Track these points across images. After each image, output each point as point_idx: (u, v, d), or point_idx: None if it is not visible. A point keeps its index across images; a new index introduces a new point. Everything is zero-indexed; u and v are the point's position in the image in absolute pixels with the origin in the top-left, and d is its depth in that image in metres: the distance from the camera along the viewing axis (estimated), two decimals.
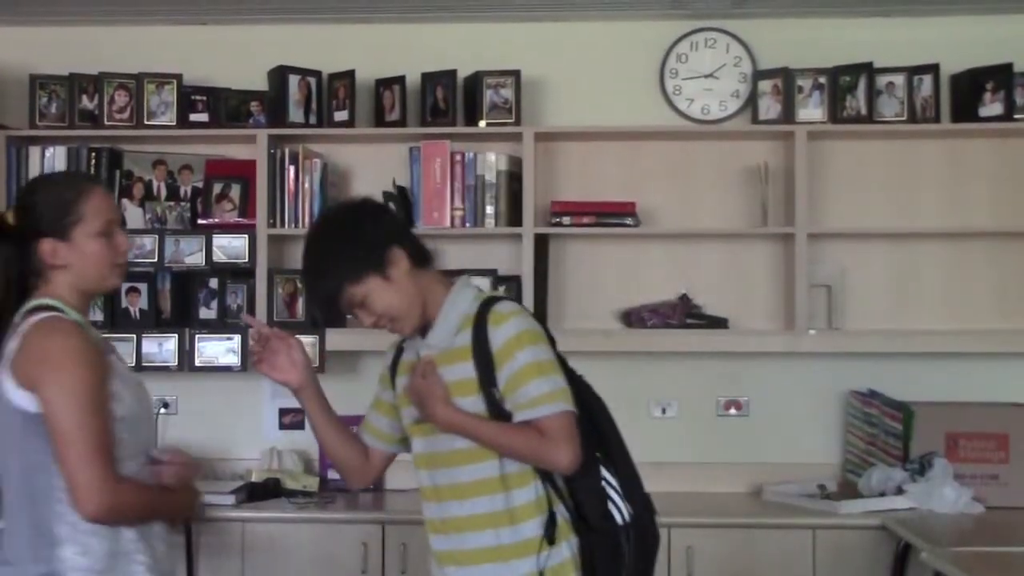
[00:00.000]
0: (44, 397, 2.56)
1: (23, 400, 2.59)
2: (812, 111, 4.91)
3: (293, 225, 4.86)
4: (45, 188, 2.80)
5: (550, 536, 2.72)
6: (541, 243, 4.85)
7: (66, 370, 2.55)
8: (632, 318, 4.91)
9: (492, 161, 4.85)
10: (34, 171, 4.88)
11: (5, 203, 4.87)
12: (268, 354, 2.99)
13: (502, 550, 2.78)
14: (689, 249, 5.00)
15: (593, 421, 2.79)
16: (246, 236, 4.84)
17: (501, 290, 4.70)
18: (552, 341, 2.86)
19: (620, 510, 2.71)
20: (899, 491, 4.49)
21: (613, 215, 4.85)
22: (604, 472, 2.73)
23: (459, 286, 2.91)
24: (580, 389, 2.81)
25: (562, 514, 2.75)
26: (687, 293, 4.94)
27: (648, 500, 2.80)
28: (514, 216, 4.83)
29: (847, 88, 4.88)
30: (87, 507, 2.54)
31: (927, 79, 4.88)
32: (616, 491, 2.71)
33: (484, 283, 4.65)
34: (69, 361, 2.56)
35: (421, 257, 2.88)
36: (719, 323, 4.89)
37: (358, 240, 2.84)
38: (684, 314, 4.87)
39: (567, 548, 2.74)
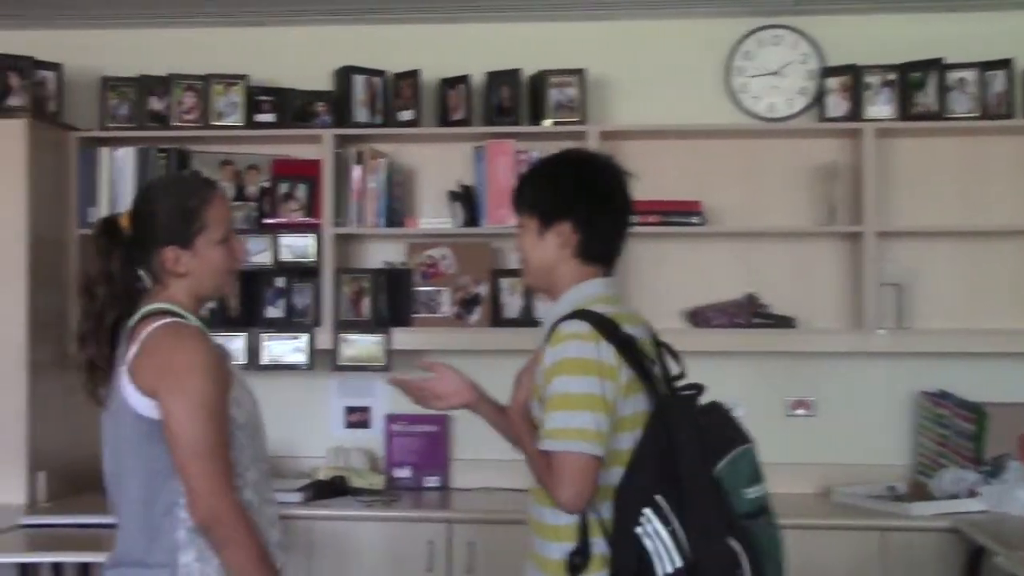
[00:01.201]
0: (166, 406, 2.54)
1: (146, 407, 2.58)
2: (881, 108, 4.85)
3: (359, 224, 4.88)
4: (167, 195, 2.75)
5: (573, 565, 2.61)
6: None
7: (190, 379, 2.54)
8: (698, 318, 4.88)
9: None
10: (104, 172, 4.95)
11: (76, 203, 4.93)
12: (427, 391, 2.99)
13: (540, 561, 2.73)
14: (756, 248, 4.96)
15: (671, 463, 2.54)
16: (312, 235, 4.87)
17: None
18: (636, 361, 2.66)
19: (664, 562, 2.48)
20: (971, 493, 4.42)
21: (679, 214, 4.82)
22: (653, 520, 2.49)
23: (578, 288, 2.79)
24: (665, 425, 2.59)
25: (600, 548, 2.61)
26: (754, 292, 4.90)
27: (722, 555, 2.50)
28: None
29: (916, 84, 4.82)
30: (203, 516, 2.53)
31: (1000, 74, 4.80)
32: (665, 542, 2.47)
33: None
34: (193, 370, 2.55)
35: (589, 254, 2.80)
36: (786, 323, 4.84)
37: (558, 186, 2.80)
38: (751, 313, 4.84)
39: None
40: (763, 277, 4.94)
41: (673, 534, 2.47)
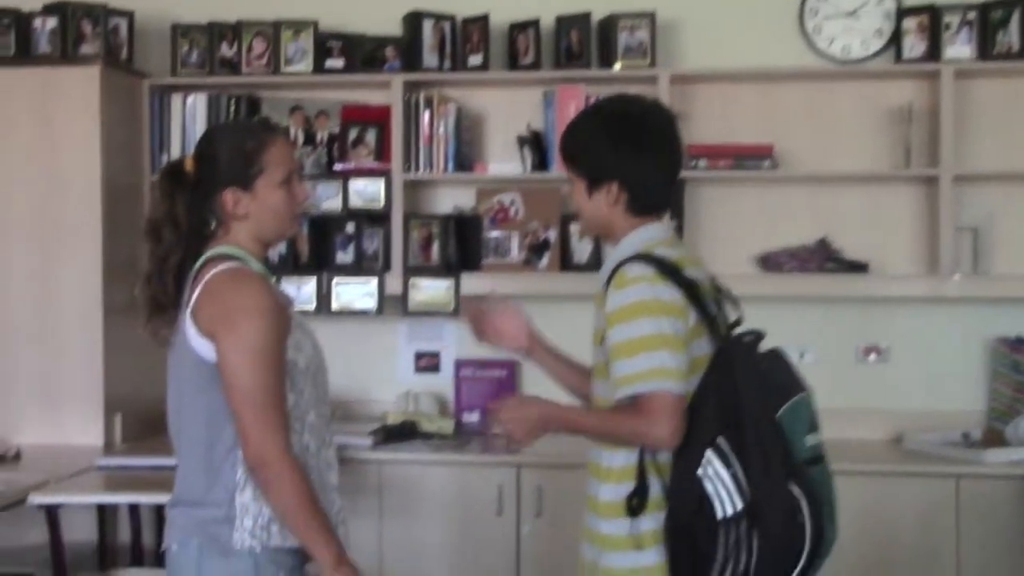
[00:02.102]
0: (222, 350, 2.57)
1: (207, 350, 2.61)
2: (960, 49, 4.74)
3: (428, 170, 4.88)
4: (226, 138, 2.77)
5: (631, 507, 2.62)
6: (677, 187, 4.77)
7: (247, 324, 2.56)
8: (769, 263, 4.83)
9: None
10: (176, 119, 4.99)
11: (149, 150, 4.98)
12: (488, 325, 3.02)
13: (596, 505, 2.74)
14: (829, 192, 4.89)
15: (733, 406, 2.53)
16: (382, 181, 4.88)
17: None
18: (700, 304, 2.67)
19: (724, 504, 2.47)
20: None
21: (751, 158, 4.76)
22: (714, 462, 2.48)
23: (636, 232, 2.78)
24: (728, 368, 2.58)
25: (656, 490, 2.61)
26: (826, 237, 4.84)
27: (783, 499, 2.49)
28: None
29: (998, 23, 4.70)
30: (252, 459, 2.56)
31: None
32: (726, 485, 2.47)
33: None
34: (250, 314, 2.57)
35: (640, 208, 2.77)
36: (859, 268, 4.78)
37: (600, 147, 2.76)
38: (823, 258, 4.78)
39: (653, 521, 2.62)
40: (836, 222, 4.88)
41: (734, 477, 2.47)
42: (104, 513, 4.58)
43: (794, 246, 4.83)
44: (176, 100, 5.01)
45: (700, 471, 2.49)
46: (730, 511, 2.46)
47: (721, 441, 2.50)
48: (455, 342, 5.06)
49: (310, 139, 5.02)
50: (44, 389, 4.71)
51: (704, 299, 2.68)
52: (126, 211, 4.85)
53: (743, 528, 2.45)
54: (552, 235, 4.86)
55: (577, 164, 2.80)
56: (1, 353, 4.71)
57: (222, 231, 2.74)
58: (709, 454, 2.49)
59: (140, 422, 4.81)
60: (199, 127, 4.98)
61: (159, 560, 4.42)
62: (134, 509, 4.53)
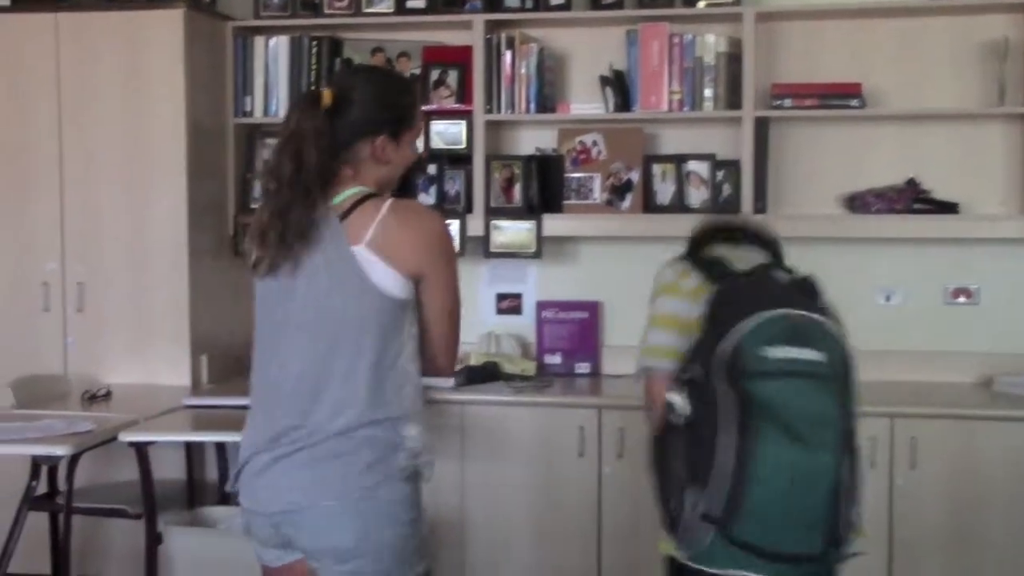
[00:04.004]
0: (438, 279, 2.68)
1: (397, 285, 2.60)
2: None
3: (510, 111, 4.85)
4: (387, 86, 2.78)
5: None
6: (761, 127, 4.72)
7: (452, 250, 2.77)
8: (856, 203, 4.75)
9: (711, 43, 4.72)
10: (258, 61, 5.01)
11: (232, 92, 5.01)
12: None
13: None
14: (918, 131, 4.78)
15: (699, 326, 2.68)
16: (463, 122, 4.86)
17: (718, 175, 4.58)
18: (702, 265, 2.78)
19: (677, 415, 2.64)
20: None
21: (837, 97, 4.67)
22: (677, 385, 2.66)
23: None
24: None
25: None
26: (915, 177, 4.74)
27: (707, 397, 2.59)
28: (733, 99, 4.71)
29: None
30: (449, 365, 2.83)
31: None
32: (680, 396, 2.62)
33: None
34: (451, 241, 2.76)
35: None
36: (948, 208, 4.68)
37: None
38: (911, 199, 4.69)
39: None
40: (925, 161, 4.77)
41: (688, 386, 2.61)
42: (191, 451, 4.66)
43: (881, 187, 4.74)
44: (259, 42, 5.03)
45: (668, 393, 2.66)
46: (682, 419, 2.60)
47: (689, 364, 2.64)
48: (537, 284, 5.05)
49: None
50: (133, 330, 4.79)
51: (712, 260, 2.79)
52: (210, 155, 4.90)
53: (686, 430, 2.59)
54: (635, 176, 4.82)
55: None
56: (92, 295, 4.80)
57: (350, 174, 2.69)
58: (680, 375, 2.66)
59: (225, 362, 4.88)
60: (281, 69, 5.01)
61: None
62: (220, 448, 4.60)
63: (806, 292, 2.69)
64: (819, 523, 2.51)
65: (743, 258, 2.79)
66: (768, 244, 2.87)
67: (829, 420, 2.53)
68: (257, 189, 5.00)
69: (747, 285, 2.67)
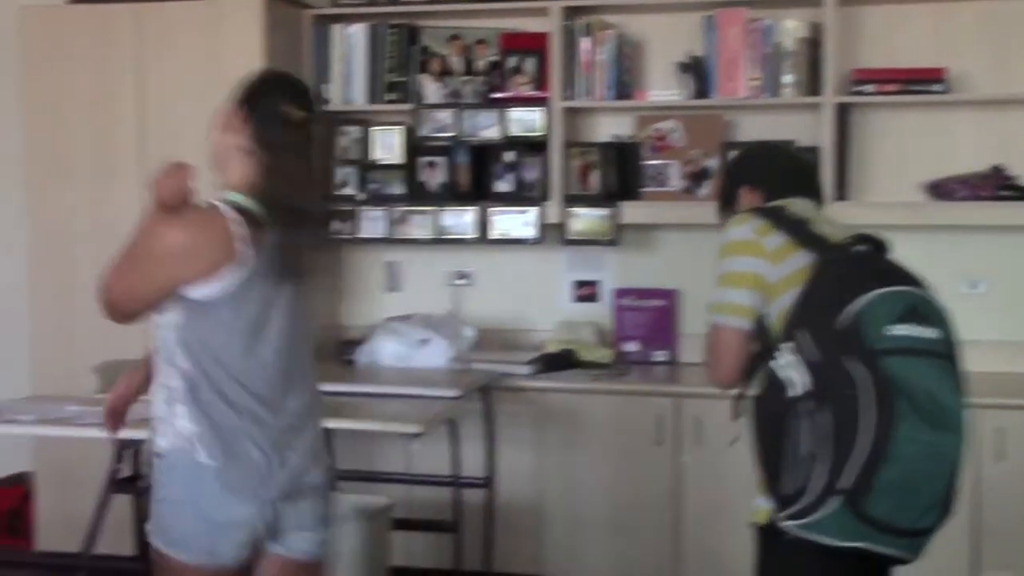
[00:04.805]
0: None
1: None
2: None
3: (587, 97, 4.83)
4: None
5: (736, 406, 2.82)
6: (842, 113, 4.66)
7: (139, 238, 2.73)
8: (940, 190, 4.67)
9: (790, 28, 4.67)
10: (336, 49, 5.04)
11: (310, 80, 5.04)
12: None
13: None
14: (1004, 116, 4.70)
15: (805, 303, 2.63)
16: (540, 109, 4.85)
17: None
18: (788, 225, 2.74)
19: (796, 387, 2.57)
20: None
21: (920, 82, 4.60)
22: (785, 352, 2.60)
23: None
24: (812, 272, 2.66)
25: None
26: (1000, 164, 4.65)
27: (838, 374, 2.54)
28: (812, 85, 4.65)
29: None
30: None
31: None
32: (797, 369, 2.57)
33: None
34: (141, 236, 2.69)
35: (774, 193, 2.90)
36: None
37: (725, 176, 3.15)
38: (997, 186, 4.60)
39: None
40: (1011, 147, 4.68)
41: (805, 362, 2.56)
42: None
43: (966, 173, 4.66)
44: (337, 30, 5.05)
45: (772, 362, 2.61)
46: (800, 391, 2.54)
47: (797, 332, 2.59)
48: (614, 271, 5.04)
49: (469, 68, 5.01)
50: None
51: (797, 221, 2.76)
52: None
53: (811, 406, 2.52)
54: (713, 163, 4.78)
55: (729, 183, 3.09)
56: None
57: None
58: (783, 346, 2.60)
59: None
60: (359, 57, 5.03)
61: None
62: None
63: (904, 269, 2.68)
64: (940, 499, 2.53)
65: (816, 216, 2.80)
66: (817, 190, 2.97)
67: (951, 398, 2.54)
68: (335, 175, 5.04)
69: (856, 258, 2.66)
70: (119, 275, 2.67)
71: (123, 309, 2.70)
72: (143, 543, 4.35)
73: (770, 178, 2.96)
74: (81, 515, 4.46)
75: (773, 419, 2.62)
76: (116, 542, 4.46)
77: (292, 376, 2.71)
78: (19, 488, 5.19)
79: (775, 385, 2.60)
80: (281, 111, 2.66)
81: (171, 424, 2.64)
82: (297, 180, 2.67)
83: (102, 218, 4.90)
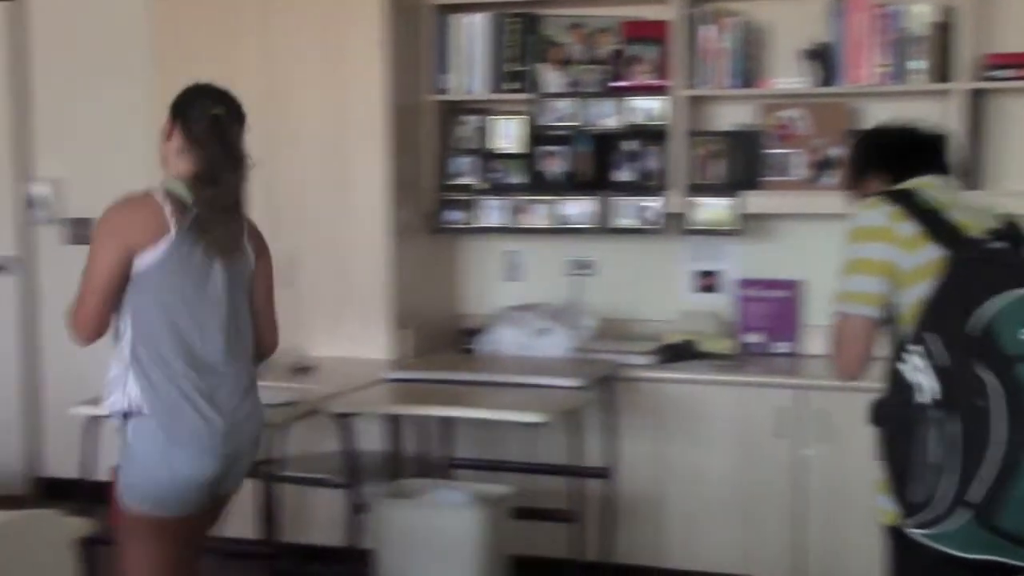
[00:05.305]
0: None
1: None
2: None
3: (709, 85, 4.78)
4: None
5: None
6: (974, 100, 4.54)
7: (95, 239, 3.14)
8: None
9: (920, 13, 4.57)
10: (456, 38, 5.05)
11: (430, 69, 5.06)
12: None
13: None
14: None
15: (935, 304, 2.56)
16: (662, 98, 4.81)
17: None
18: (922, 215, 2.65)
19: (924, 393, 2.50)
20: None
21: None
22: (914, 356, 2.54)
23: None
24: (944, 270, 2.57)
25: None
26: None
27: (968, 381, 2.47)
28: (942, 71, 4.54)
29: None
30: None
31: None
32: (925, 373, 2.51)
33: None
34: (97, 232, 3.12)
35: (904, 174, 2.84)
36: None
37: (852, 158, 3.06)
38: None
39: None
40: None
41: (934, 367, 2.49)
42: (394, 424, 4.74)
43: None
44: (457, 19, 5.07)
45: (900, 365, 2.56)
46: (928, 398, 2.48)
47: (926, 335, 2.52)
48: (736, 261, 4.98)
49: (590, 56, 4.99)
50: (336, 305, 4.89)
51: (930, 210, 2.68)
52: (408, 132, 4.95)
53: (939, 414, 2.46)
54: (838, 152, 4.69)
55: (851, 171, 3.06)
56: (297, 272, 4.91)
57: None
58: (912, 348, 2.54)
59: (427, 337, 4.96)
60: (479, 46, 5.03)
61: (446, 471, 4.58)
62: (422, 421, 4.67)
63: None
64: None
65: (951, 200, 2.71)
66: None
67: None
68: (455, 165, 5.07)
69: (990, 256, 2.57)
70: (80, 298, 3.06)
71: (88, 322, 3.04)
72: (268, 527, 4.44)
73: (898, 158, 2.89)
74: None
75: (899, 424, 2.57)
76: (241, 525, 4.54)
77: (229, 340, 3.11)
78: None
79: (902, 388, 2.55)
80: (206, 112, 3.11)
81: (122, 387, 3.02)
82: (221, 166, 3.09)
83: None
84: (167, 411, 2.99)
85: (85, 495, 3.92)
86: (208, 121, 3.10)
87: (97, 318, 3.02)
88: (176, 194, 3.05)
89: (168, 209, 3.01)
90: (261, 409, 3.23)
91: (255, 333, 3.26)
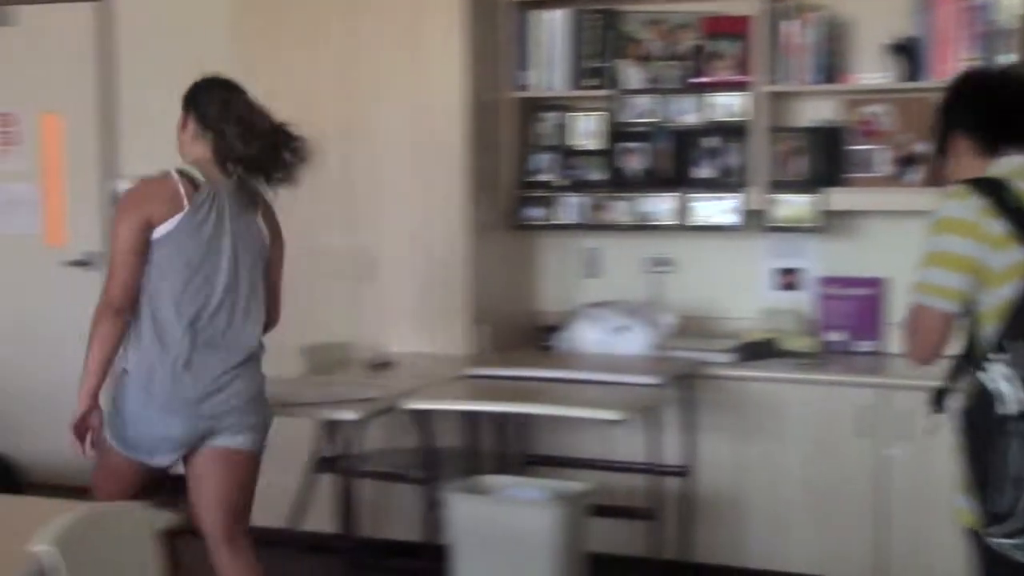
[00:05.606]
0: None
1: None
2: None
3: (791, 81, 4.73)
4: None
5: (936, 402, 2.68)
6: None
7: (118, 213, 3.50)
8: None
9: (1009, 5, 4.48)
10: (536, 35, 5.06)
11: (510, 65, 5.06)
12: None
13: None
14: None
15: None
16: (743, 94, 4.77)
17: None
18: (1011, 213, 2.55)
19: (1007, 404, 2.45)
20: None
21: None
22: (997, 364, 2.48)
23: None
24: None
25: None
26: None
27: None
28: None
29: None
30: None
31: None
32: (1011, 384, 2.45)
33: None
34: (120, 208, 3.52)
35: (993, 142, 2.69)
36: None
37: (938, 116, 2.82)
38: None
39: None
40: None
41: (1022, 379, 2.45)
42: (471, 420, 4.74)
43: None
44: (537, 15, 5.06)
45: (981, 373, 2.51)
46: (1014, 409, 2.43)
47: (1008, 343, 2.48)
48: (817, 259, 4.92)
49: (670, 52, 4.96)
50: (415, 301, 4.91)
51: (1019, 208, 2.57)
52: (487, 128, 4.96)
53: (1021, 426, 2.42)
54: (924, 148, 4.62)
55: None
56: (377, 268, 4.94)
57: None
58: (993, 356, 2.49)
59: (505, 334, 4.96)
60: (559, 42, 5.03)
61: (523, 467, 4.58)
62: (500, 417, 4.67)
63: None
64: None
65: None
66: None
67: None
68: (534, 161, 5.06)
69: None
70: (109, 271, 3.35)
71: (115, 291, 3.30)
72: (346, 521, 4.47)
73: (988, 121, 2.70)
74: (289, 491, 4.60)
75: (980, 433, 2.51)
76: (320, 520, 4.58)
77: (233, 309, 3.38)
78: None
79: (984, 397, 2.49)
80: (213, 100, 3.43)
81: (130, 349, 3.35)
82: (237, 140, 3.38)
83: (311, 200, 5.00)
84: (146, 373, 3.31)
85: (168, 488, 3.97)
86: (218, 106, 3.41)
87: (123, 288, 3.29)
88: (190, 174, 3.37)
89: (183, 188, 3.33)
90: (256, 375, 3.48)
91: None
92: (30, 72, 6.07)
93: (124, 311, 3.31)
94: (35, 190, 6.13)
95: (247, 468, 3.48)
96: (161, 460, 3.39)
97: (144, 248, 3.30)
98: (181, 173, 3.37)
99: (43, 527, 2.34)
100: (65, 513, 2.43)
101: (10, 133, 6.18)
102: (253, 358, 3.46)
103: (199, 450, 3.40)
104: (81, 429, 3.34)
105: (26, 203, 6.12)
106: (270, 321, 3.60)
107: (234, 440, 3.41)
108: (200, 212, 3.33)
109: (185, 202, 3.32)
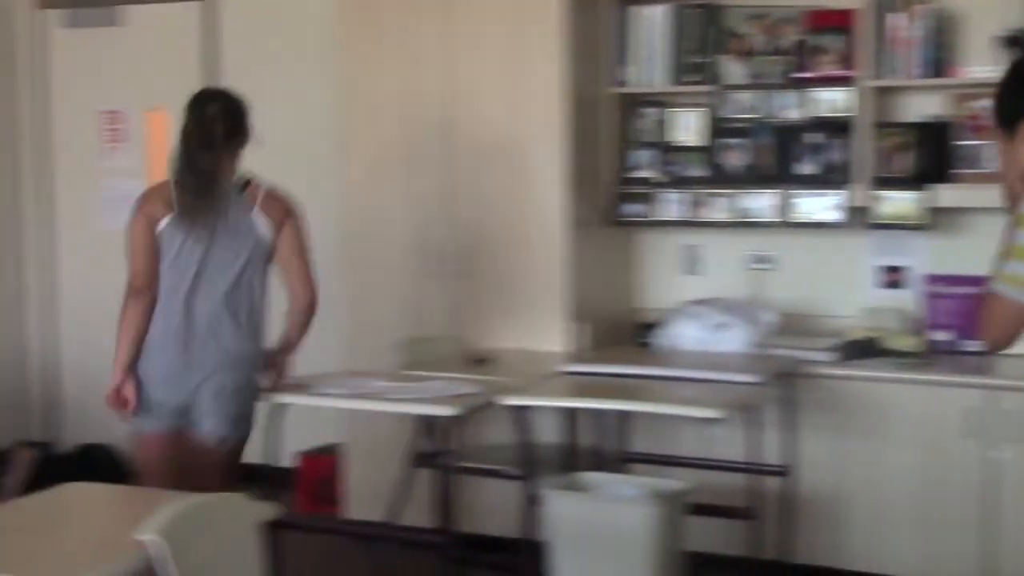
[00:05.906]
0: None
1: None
2: None
3: (897, 75, 4.65)
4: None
5: None
6: None
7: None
8: None
9: None
10: (636, 31, 5.03)
11: (609, 61, 5.04)
12: None
13: None
14: None
15: None
16: (847, 89, 4.70)
17: None
18: None
19: None
20: None
21: None
22: None
23: None
24: None
25: None
26: None
27: None
28: None
29: None
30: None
31: None
32: None
33: None
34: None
35: None
36: None
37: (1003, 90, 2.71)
38: None
39: None
40: None
41: None
42: (569, 417, 4.74)
43: None
44: (637, 11, 5.04)
45: None
46: None
47: None
48: (923, 256, 4.83)
49: (773, 47, 4.90)
50: (514, 297, 4.92)
51: None
52: (587, 125, 4.94)
53: None
54: None
55: (1003, 114, 2.67)
56: (476, 264, 4.96)
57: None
58: None
59: (605, 331, 4.94)
60: (659, 38, 5.00)
61: (621, 465, 4.56)
62: (598, 414, 4.66)
63: None
64: None
65: None
66: None
67: None
68: (634, 157, 5.04)
69: None
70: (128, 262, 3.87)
71: (134, 277, 3.82)
72: (444, 516, 4.48)
73: None
74: (387, 486, 4.63)
75: None
76: (418, 514, 4.60)
77: (222, 297, 3.80)
78: (331, 458, 5.42)
79: None
80: (193, 112, 3.91)
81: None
82: (196, 157, 3.84)
83: (410, 196, 5.05)
84: (156, 346, 3.80)
85: (270, 480, 4.02)
86: (193, 120, 3.87)
87: (135, 275, 3.81)
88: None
89: (173, 193, 3.82)
90: (236, 357, 3.84)
91: (288, 289, 3.93)
92: (137, 70, 6.19)
93: (143, 292, 3.80)
94: (142, 186, 6.19)
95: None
96: (163, 430, 3.84)
97: (152, 240, 3.81)
98: (173, 180, 3.86)
99: (150, 517, 2.38)
100: (171, 503, 2.47)
101: (118, 130, 6.31)
102: (236, 340, 3.84)
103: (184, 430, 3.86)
104: (116, 399, 3.81)
105: (133, 199, 6.21)
106: (303, 303, 3.94)
107: (215, 425, 3.83)
108: (180, 217, 3.81)
109: (173, 205, 3.82)
